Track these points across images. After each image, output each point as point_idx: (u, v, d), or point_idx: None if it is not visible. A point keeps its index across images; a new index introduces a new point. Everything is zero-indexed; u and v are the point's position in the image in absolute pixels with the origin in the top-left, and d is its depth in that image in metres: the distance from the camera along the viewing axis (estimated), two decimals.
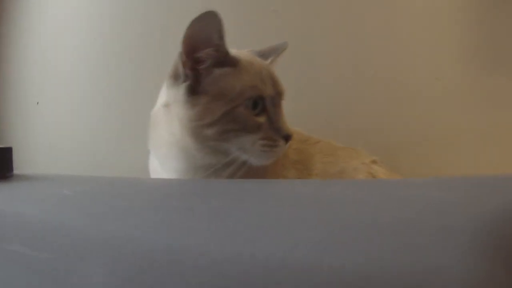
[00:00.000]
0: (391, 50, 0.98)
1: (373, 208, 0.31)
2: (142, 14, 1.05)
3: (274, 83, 0.62)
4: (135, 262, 0.19)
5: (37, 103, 1.09)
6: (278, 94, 0.62)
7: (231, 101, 0.57)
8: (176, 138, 0.61)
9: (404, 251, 0.20)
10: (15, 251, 0.20)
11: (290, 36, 0.91)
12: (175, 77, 0.60)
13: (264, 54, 0.68)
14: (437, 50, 0.98)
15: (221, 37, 0.56)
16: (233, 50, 0.61)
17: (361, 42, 0.98)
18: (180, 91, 0.59)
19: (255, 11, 0.99)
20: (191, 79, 0.58)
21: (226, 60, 0.59)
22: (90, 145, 1.06)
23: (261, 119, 0.59)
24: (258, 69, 0.61)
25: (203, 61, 0.58)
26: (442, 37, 0.98)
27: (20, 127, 1.10)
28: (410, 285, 0.17)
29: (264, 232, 0.24)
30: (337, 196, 0.38)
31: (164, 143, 0.63)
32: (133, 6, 1.05)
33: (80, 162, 1.05)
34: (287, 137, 0.60)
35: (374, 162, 0.75)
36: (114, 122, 1.06)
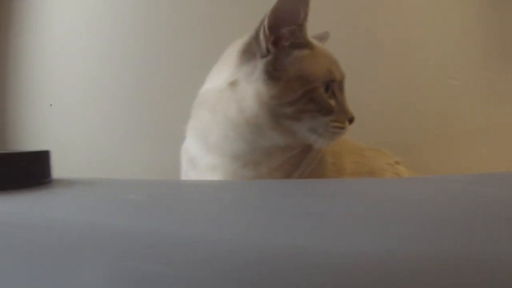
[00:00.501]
0: (406, 49, 0.98)
1: (440, 204, 0.32)
2: (157, 15, 1.04)
3: (340, 69, 0.63)
4: (263, 267, 0.18)
5: (51, 104, 1.08)
6: (343, 79, 0.64)
7: (311, 82, 0.58)
8: (245, 116, 0.58)
9: (487, 241, 0.21)
10: (135, 268, 0.17)
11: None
12: (252, 53, 0.59)
13: None
14: (452, 48, 0.98)
15: (306, 16, 0.57)
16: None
17: (377, 41, 0.98)
18: (258, 66, 0.58)
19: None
20: (272, 56, 0.58)
21: (304, 42, 0.59)
22: (104, 146, 1.06)
23: (333, 102, 0.61)
24: (329, 55, 0.63)
25: (286, 38, 0.58)
26: (457, 36, 0.98)
27: (33, 129, 1.10)
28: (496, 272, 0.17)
29: (362, 227, 0.24)
30: (408, 194, 0.38)
31: (223, 123, 0.60)
32: (149, 7, 1.05)
33: (93, 163, 1.04)
34: (351, 120, 0.62)
35: (397, 163, 0.79)
36: (129, 123, 1.05)
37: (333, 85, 0.61)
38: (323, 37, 0.71)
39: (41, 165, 0.45)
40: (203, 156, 0.63)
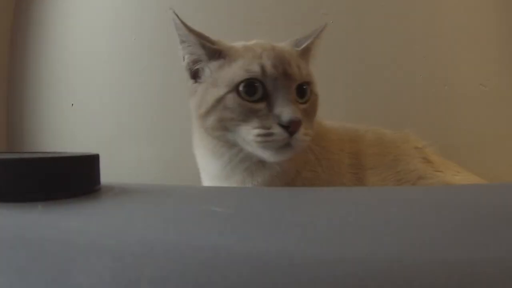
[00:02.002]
0: (439, 56, 0.97)
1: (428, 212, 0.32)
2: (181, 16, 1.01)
3: (281, 64, 0.54)
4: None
5: (72, 105, 1.06)
6: (284, 76, 0.54)
7: (223, 87, 0.54)
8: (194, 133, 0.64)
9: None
10: None
11: (341, 40, 0.94)
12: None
13: (300, 41, 0.63)
14: (483, 56, 0.97)
15: (188, 35, 0.58)
16: (240, 42, 0.61)
17: (409, 47, 0.97)
18: (188, 83, 0.62)
19: (306, 14, 0.98)
20: (192, 71, 0.60)
21: (215, 54, 0.58)
22: (125, 148, 1.04)
23: (258, 106, 0.53)
24: (257, 53, 0.56)
25: (189, 54, 0.60)
26: (487, 43, 0.97)
27: (55, 129, 1.08)
28: None
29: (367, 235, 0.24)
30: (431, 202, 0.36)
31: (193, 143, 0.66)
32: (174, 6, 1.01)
33: (114, 165, 1.00)
34: (288, 124, 0.51)
35: (426, 146, 0.73)
36: (152, 125, 1.02)
37: (264, 85, 0.54)
38: (315, 31, 0.64)
39: (91, 171, 0.40)
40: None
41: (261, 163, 0.58)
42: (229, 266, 0.17)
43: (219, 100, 0.54)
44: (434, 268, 0.18)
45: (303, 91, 0.56)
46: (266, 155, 0.53)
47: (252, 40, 0.63)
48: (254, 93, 0.53)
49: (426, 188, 0.53)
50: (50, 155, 0.38)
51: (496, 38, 0.97)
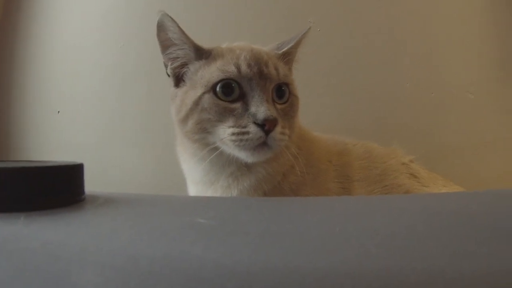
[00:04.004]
0: (426, 64, 0.98)
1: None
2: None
3: (257, 65, 0.56)
4: None
5: (58, 112, 1.05)
6: (260, 76, 0.55)
7: (200, 88, 0.56)
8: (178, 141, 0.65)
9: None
10: None
11: (328, 48, 0.95)
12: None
13: (283, 44, 0.64)
14: (470, 64, 0.98)
15: (180, 36, 0.58)
16: (223, 45, 0.62)
17: (396, 55, 0.98)
18: (170, 89, 0.62)
19: (293, 22, 0.98)
20: (174, 76, 0.61)
21: (199, 55, 0.59)
22: (111, 154, 1.02)
23: (234, 105, 0.54)
24: (235, 54, 0.57)
25: (176, 58, 0.60)
26: (474, 51, 0.98)
27: (41, 136, 1.06)
28: None
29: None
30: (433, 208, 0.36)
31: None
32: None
33: (100, 171, 0.98)
34: (263, 123, 0.51)
35: (411, 161, 0.73)
36: (138, 131, 1.00)
37: (240, 85, 0.55)
38: (298, 34, 0.64)
39: (75, 180, 0.39)
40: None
41: (246, 167, 0.58)
42: (214, 280, 0.17)
43: (197, 102, 0.55)
44: (421, 279, 0.18)
45: (282, 92, 0.57)
46: (243, 155, 0.54)
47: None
48: (231, 93, 0.54)
49: (413, 197, 0.53)
50: (33, 165, 0.37)
51: (482, 46, 0.98)
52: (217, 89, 0.54)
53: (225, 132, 0.53)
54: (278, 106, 0.56)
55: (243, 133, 0.52)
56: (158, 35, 0.59)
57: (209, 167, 0.59)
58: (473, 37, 0.99)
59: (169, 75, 0.62)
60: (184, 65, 0.60)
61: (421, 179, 0.70)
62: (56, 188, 0.36)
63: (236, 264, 0.20)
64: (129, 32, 1.03)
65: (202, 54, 0.59)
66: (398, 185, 0.67)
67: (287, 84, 0.59)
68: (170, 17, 0.58)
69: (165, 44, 0.60)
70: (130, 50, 1.03)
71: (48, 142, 1.05)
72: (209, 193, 0.61)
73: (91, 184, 0.42)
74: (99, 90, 1.04)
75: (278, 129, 0.53)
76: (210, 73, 0.56)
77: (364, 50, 0.97)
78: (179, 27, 0.58)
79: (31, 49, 1.07)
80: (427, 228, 0.28)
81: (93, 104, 1.04)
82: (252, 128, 0.52)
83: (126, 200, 0.41)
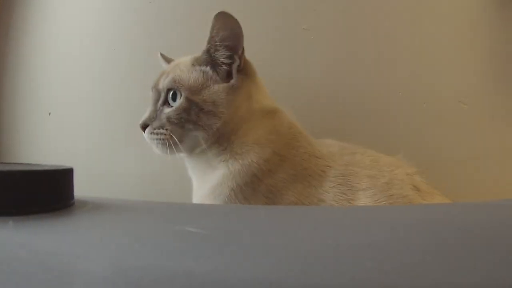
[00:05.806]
0: (418, 73, 0.98)
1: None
2: (161, 24, 1.02)
3: (159, 76, 0.71)
4: None
5: (49, 113, 1.03)
6: (155, 87, 0.71)
7: None
8: None
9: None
10: None
11: (321, 56, 0.96)
12: None
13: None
14: (462, 74, 0.98)
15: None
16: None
17: (389, 64, 0.98)
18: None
19: (286, 30, 0.98)
20: None
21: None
22: (104, 156, 1.01)
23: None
24: (169, 66, 0.74)
25: None
26: (466, 61, 0.99)
27: (32, 138, 1.05)
28: None
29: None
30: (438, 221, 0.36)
31: None
32: (154, 15, 1.02)
33: (92, 174, 0.97)
34: (142, 128, 0.69)
35: (415, 173, 0.72)
36: (130, 134, 1.00)
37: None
38: None
39: (65, 185, 0.39)
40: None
41: (211, 165, 0.66)
42: None
43: None
44: None
45: (173, 96, 0.68)
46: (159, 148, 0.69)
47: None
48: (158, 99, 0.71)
49: (409, 208, 0.53)
50: (21, 168, 0.36)
51: (475, 55, 0.99)
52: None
53: None
54: (166, 110, 0.69)
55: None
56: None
57: (187, 167, 0.76)
58: (466, 46, 0.99)
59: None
60: None
61: (422, 193, 0.69)
62: (45, 192, 0.35)
63: (227, 276, 0.19)
64: (121, 37, 1.02)
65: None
66: (403, 196, 0.66)
67: (178, 90, 0.68)
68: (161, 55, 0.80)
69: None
70: (123, 54, 1.02)
71: (38, 144, 1.04)
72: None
73: (82, 189, 0.42)
74: (91, 92, 1.03)
75: (148, 129, 0.69)
76: None
77: (356, 59, 0.97)
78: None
79: (22, 52, 1.06)
80: (424, 240, 0.28)
81: (85, 107, 1.03)
82: (144, 132, 0.71)
83: (115, 206, 0.41)
